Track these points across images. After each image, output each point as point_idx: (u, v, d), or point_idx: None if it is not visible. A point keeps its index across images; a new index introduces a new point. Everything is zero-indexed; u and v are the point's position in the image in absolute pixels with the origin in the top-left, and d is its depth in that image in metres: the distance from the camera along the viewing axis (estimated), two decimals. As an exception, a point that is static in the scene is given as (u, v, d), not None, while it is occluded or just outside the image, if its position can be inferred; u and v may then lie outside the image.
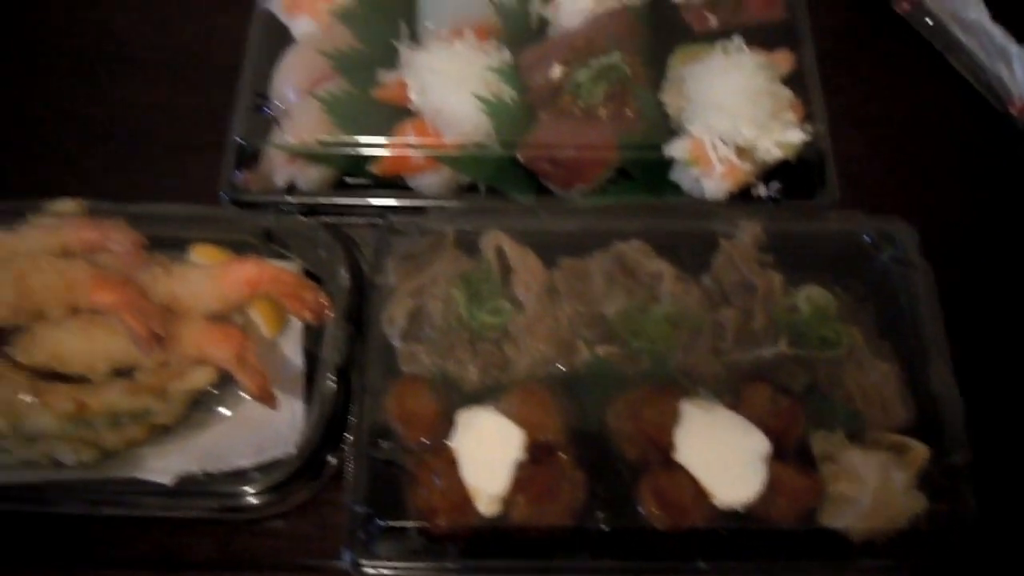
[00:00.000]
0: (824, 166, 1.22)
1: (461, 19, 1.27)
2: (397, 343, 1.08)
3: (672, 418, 1.00)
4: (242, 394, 1.07)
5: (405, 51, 1.26)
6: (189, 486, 1.04)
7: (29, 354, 1.03)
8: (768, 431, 1.00)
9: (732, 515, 0.98)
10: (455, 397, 1.04)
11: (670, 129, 1.23)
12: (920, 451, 1.01)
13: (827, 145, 1.23)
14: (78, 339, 1.04)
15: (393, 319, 1.08)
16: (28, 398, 1.00)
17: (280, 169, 1.22)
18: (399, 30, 1.29)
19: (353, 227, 1.21)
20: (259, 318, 1.11)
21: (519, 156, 1.22)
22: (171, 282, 1.07)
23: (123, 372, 1.04)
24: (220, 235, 1.16)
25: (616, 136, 1.21)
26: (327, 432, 1.06)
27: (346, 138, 1.21)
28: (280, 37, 1.33)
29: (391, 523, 0.99)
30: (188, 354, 1.04)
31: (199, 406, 1.07)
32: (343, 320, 1.10)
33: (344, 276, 1.13)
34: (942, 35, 1.40)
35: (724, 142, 1.18)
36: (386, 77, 1.26)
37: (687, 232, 1.15)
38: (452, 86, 1.21)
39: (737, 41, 1.25)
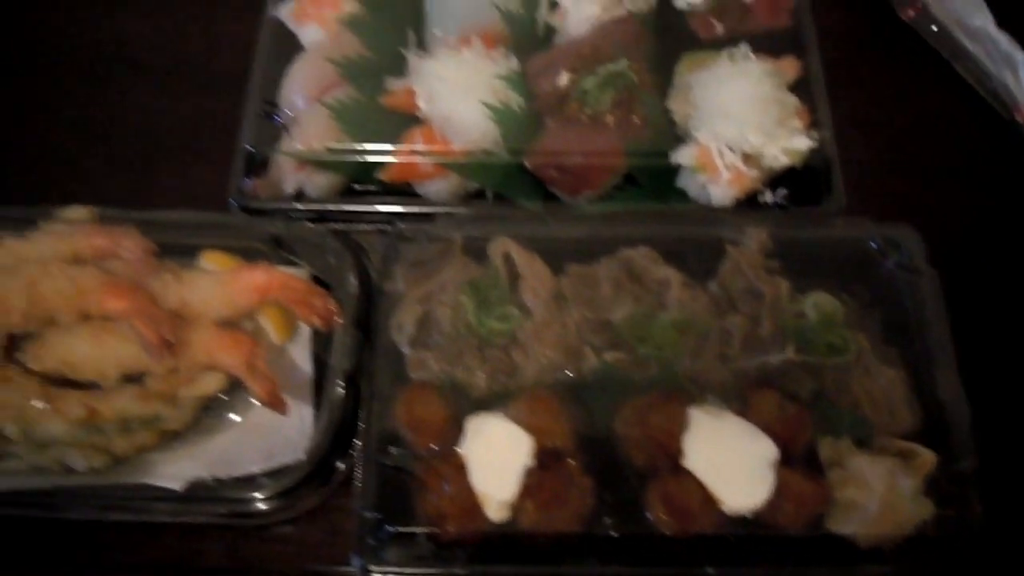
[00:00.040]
0: (830, 173, 1.23)
1: (469, 27, 1.28)
2: (406, 349, 1.08)
3: (680, 424, 1.00)
4: (252, 400, 1.07)
5: (413, 59, 1.27)
6: (199, 492, 1.04)
7: (40, 360, 1.04)
8: (776, 437, 1.00)
9: (740, 521, 0.98)
10: (464, 403, 1.04)
11: (677, 136, 1.24)
12: (927, 457, 1.01)
13: (833, 152, 1.23)
14: (89, 345, 1.04)
15: (402, 325, 1.09)
16: (40, 404, 1.01)
17: (289, 176, 1.23)
18: (407, 38, 1.30)
19: (361, 234, 1.22)
20: (268, 324, 1.11)
21: (526, 163, 1.22)
22: (181, 289, 1.07)
23: (133, 378, 1.05)
24: (230, 242, 1.16)
25: (623, 143, 1.22)
26: (336, 438, 1.06)
27: (354, 145, 1.22)
28: (289, 45, 1.33)
29: (400, 529, 0.99)
30: (198, 360, 1.05)
31: (209, 412, 1.07)
32: (352, 326, 1.10)
33: (352, 283, 1.14)
34: (948, 42, 1.40)
35: (731, 149, 1.19)
36: (394, 85, 1.27)
37: (694, 239, 1.16)
38: (460, 93, 1.21)
39: (743, 48, 1.26)
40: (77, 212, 1.14)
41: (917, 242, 1.15)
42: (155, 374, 1.04)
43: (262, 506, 1.04)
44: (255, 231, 1.18)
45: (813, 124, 1.24)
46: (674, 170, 1.23)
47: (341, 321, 1.10)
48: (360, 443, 1.06)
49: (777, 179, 1.23)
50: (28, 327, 1.04)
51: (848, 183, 1.23)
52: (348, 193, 1.26)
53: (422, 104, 1.23)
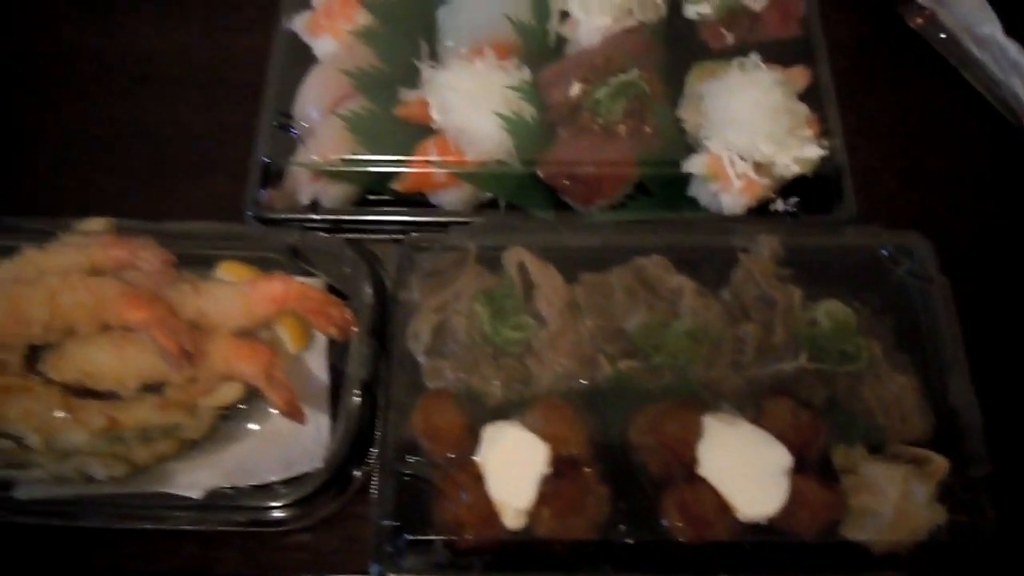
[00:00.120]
0: (841, 181, 1.23)
1: (481, 38, 1.29)
2: (422, 359, 1.09)
3: (694, 432, 1.01)
4: (270, 409, 1.08)
5: (426, 70, 1.28)
6: (217, 500, 1.05)
7: (61, 371, 1.05)
8: (790, 445, 1.00)
9: (755, 528, 0.99)
10: (480, 412, 1.05)
11: (688, 145, 1.25)
12: (940, 463, 1.02)
13: (844, 160, 1.24)
14: (108, 356, 1.06)
15: (418, 334, 1.10)
16: (61, 414, 1.02)
17: (304, 187, 1.24)
18: (420, 49, 1.31)
19: (376, 243, 1.22)
20: (285, 334, 1.12)
21: (539, 173, 1.23)
22: (199, 299, 1.08)
23: (153, 388, 1.06)
24: (246, 252, 1.17)
25: (635, 152, 1.23)
26: (353, 447, 1.07)
27: (369, 156, 1.23)
28: (303, 57, 1.34)
29: (417, 536, 1.00)
30: (217, 370, 1.06)
31: (227, 421, 1.09)
32: (367, 336, 1.11)
33: (368, 292, 1.14)
34: (956, 49, 1.41)
35: (742, 158, 1.19)
36: (407, 96, 1.28)
37: (706, 247, 1.16)
38: (473, 104, 1.22)
39: (753, 58, 1.26)
40: (95, 224, 1.15)
41: (928, 249, 1.15)
42: (174, 384, 1.06)
43: (280, 514, 1.05)
44: (271, 242, 1.19)
45: (823, 132, 1.25)
46: (686, 179, 1.24)
47: (357, 330, 1.11)
48: (377, 451, 1.07)
49: (788, 187, 1.24)
50: (49, 338, 1.06)
51: (859, 191, 1.23)
52: (363, 203, 1.27)
53: (435, 115, 1.24)
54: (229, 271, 1.15)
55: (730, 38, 1.34)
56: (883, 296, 1.13)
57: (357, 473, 1.08)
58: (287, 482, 1.06)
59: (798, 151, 1.20)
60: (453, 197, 1.25)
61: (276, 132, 1.28)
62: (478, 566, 1.00)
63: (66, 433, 1.02)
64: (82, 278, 1.06)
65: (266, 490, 1.06)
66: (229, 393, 1.06)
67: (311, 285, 1.14)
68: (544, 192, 1.24)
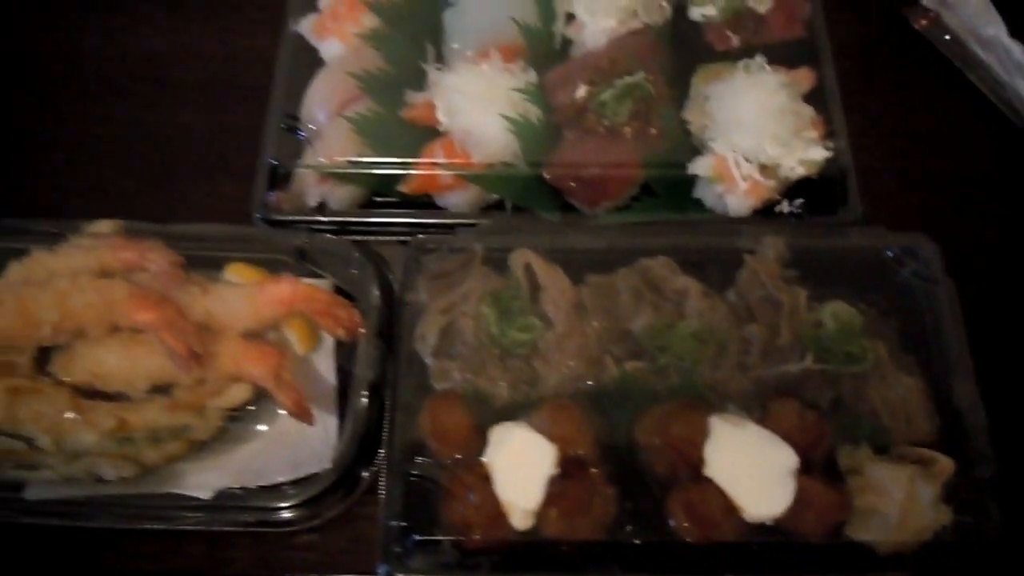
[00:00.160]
0: (846, 182, 1.24)
1: (487, 40, 1.29)
2: (429, 360, 1.10)
3: (701, 433, 1.01)
4: (278, 410, 1.09)
5: (432, 72, 1.28)
6: (226, 500, 1.06)
7: (70, 372, 1.06)
8: (795, 446, 1.01)
9: (761, 529, 0.99)
10: (487, 413, 1.05)
11: (693, 147, 1.25)
12: (945, 464, 1.02)
13: (849, 161, 1.24)
14: (118, 357, 1.06)
15: (425, 336, 1.10)
16: (71, 415, 1.03)
17: (312, 189, 1.25)
18: (426, 52, 1.32)
19: (383, 245, 1.23)
20: (293, 335, 1.13)
21: (545, 174, 1.23)
22: (207, 301, 1.09)
23: (162, 389, 1.07)
24: (254, 254, 1.18)
25: (640, 154, 1.23)
26: (361, 447, 1.08)
27: (375, 158, 1.24)
28: (310, 59, 1.35)
29: (425, 537, 1.00)
30: (225, 371, 1.06)
31: (236, 422, 1.09)
32: (375, 337, 1.12)
33: (375, 294, 1.15)
34: (960, 51, 1.41)
35: (747, 159, 1.20)
36: (414, 98, 1.28)
37: (712, 248, 1.17)
38: (479, 106, 1.23)
39: (758, 59, 1.27)
40: (104, 226, 1.16)
41: (933, 251, 1.15)
42: (183, 385, 1.06)
43: (288, 515, 1.06)
44: (279, 243, 1.20)
45: (828, 134, 1.25)
46: (691, 181, 1.24)
47: (364, 332, 1.11)
48: (384, 452, 1.08)
49: (793, 189, 1.24)
50: (58, 340, 1.06)
51: (864, 192, 1.24)
52: (370, 205, 1.27)
53: (442, 117, 1.24)
54: (237, 273, 1.15)
55: (735, 40, 1.34)
56: (888, 297, 1.14)
57: (365, 474, 1.09)
58: (295, 483, 1.07)
59: (803, 153, 1.21)
60: (459, 199, 1.25)
61: (283, 134, 1.29)
62: (486, 566, 1.01)
63: (76, 434, 1.03)
64: (91, 280, 1.07)
65: (274, 491, 1.07)
66: (237, 394, 1.07)
67: (318, 287, 1.14)
68: (550, 194, 1.25)
